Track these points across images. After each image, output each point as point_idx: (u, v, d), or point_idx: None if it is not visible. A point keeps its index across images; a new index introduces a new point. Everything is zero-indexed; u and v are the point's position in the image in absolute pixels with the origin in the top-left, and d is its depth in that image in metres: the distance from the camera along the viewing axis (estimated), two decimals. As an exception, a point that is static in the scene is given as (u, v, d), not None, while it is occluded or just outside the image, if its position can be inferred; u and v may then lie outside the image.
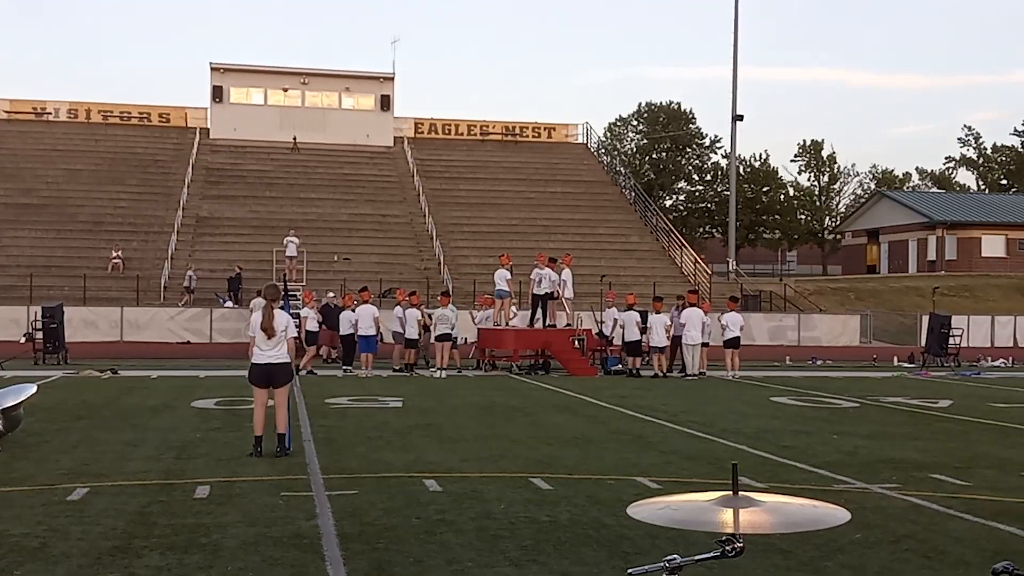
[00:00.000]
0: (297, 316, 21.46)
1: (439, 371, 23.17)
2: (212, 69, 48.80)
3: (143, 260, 36.08)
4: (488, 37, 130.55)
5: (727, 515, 2.37)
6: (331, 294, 28.17)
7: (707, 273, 39.47)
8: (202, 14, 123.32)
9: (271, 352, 10.80)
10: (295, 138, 46.99)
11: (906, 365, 29.58)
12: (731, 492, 2.43)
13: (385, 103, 49.80)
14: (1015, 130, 72.57)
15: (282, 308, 11.28)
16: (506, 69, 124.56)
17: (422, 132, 51.21)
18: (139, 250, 36.95)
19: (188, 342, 29.96)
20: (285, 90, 49.24)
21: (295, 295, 27.31)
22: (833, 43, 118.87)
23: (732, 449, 11.96)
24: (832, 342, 33.00)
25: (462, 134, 51.83)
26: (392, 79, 50.39)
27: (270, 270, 33.98)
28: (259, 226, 39.29)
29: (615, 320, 25.21)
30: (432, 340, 24.17)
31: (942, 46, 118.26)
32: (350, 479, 9.38)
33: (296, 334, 11.83)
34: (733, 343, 24.13)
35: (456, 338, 24.64)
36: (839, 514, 2.49)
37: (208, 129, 48.04)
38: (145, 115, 49.32)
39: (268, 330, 10.73)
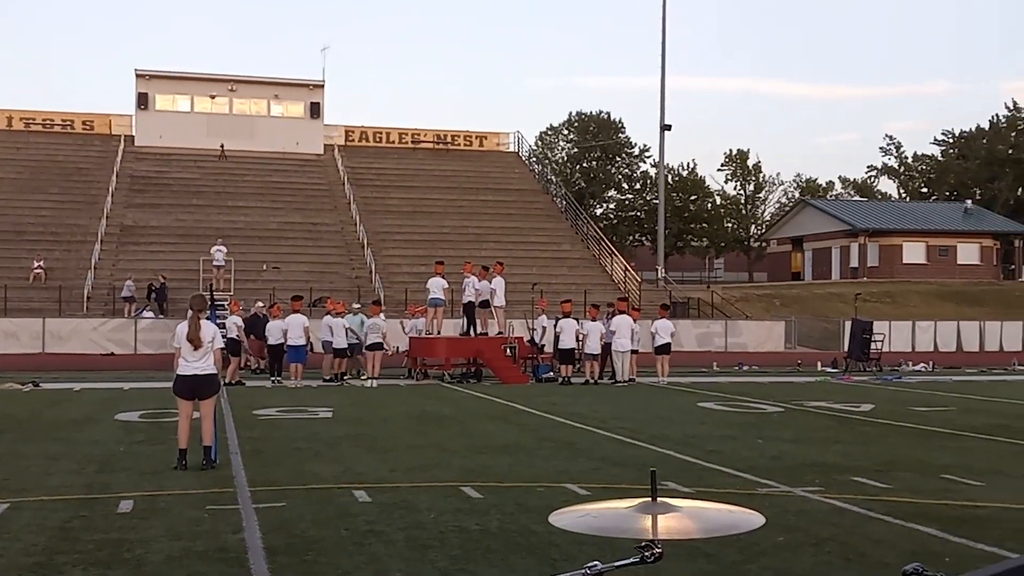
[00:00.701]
0: (222, 325, 21.19)
1: (370, 380, 23.06)
2: (137, 76, 47.94)
3: (65, 270, 35.26)
4: (419, 45, 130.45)
5: (646, 521, 2.42)
6: (259, 304, 27.83)
7: (637, 281, 39.91)
8: (127, 20, 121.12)
9: (197, 364, 10.64)
10: (222, 146, 46.37)
11: (829, 370, 30.23)
12: (650, 498, 2.48)
13: (315, 110, 49.43)
14: (935, 139, 74.78)
15: (208, 319, 11.13)
16: (438, 77, 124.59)
17: (353, 140, 50.92)
18: (62, 260, 36.10)
19: (112, 353, 29.33)
20: (212, 97, 48.57)
21: (222, 305, 26.93)
22: (759, 54, 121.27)
23: (660, 455, 12.11)
24: (758, 348, 33.58)
25: (393, 142, 51.67)
26: (322, 86, 50.05)
27: (197, 280, 33.46)
28: (185, 235, 38.68)
29: (544, 328, 25.38)
30: (363, 349, 24.08)
31: (864, 57, 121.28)
32: (278, 491, 9.29)
33: (223, 345, 11.70)
34: (664, 350, 24.44)
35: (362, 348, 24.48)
36: (754, 519, 2.56)
37: (133, 136, 47.15)
38: (68, 122, 48.25)
39: (194, 341, 10.58)
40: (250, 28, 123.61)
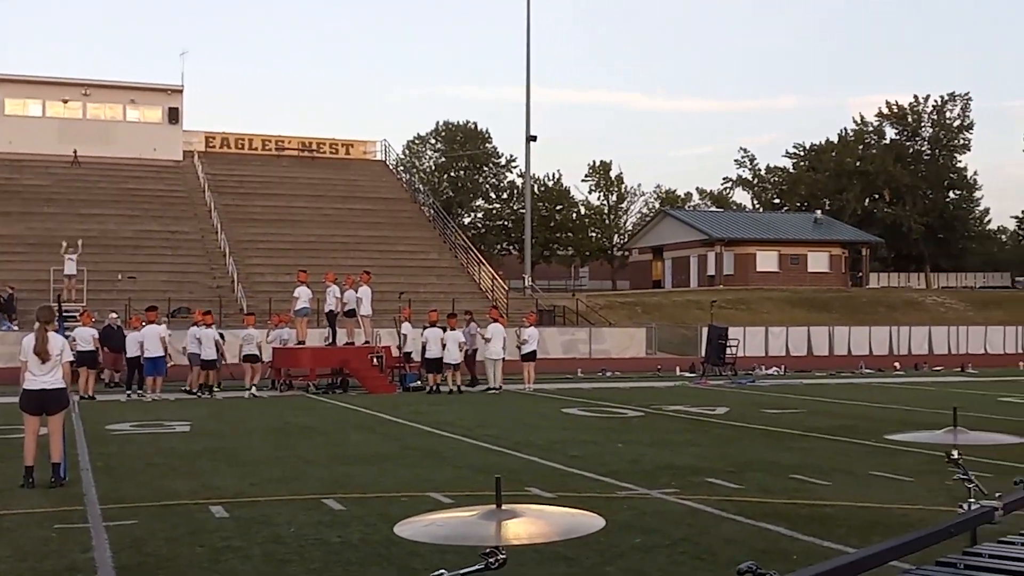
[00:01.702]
0: (72, 338, 20.42)
1: (248, 391, 22.61)
2: (-16, 78, 45.65)
3: (-96, 280, 33.19)
4: (284, 52, 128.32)
5: (491, 528, 2.48)
6: (113, 315, 26.83)
7: (504, 289, 40.20)
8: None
9: (45, 377, 10.22)
10: (75, 152, 44.53)
11: (687, 375, 31.12)
12: (495, 505, 2.54)
13: (173, 116, 47.99)
14: (786, 152, 77.95)
15: (57, 331, 10.71)
16: (303, 84, 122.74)
17: (213, 146, 49.63)
18: (-100, 270, 33.99)
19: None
20: (65, 102, 46.59)
21: (74, 316, 25.86)
22: (623, 68, 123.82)
23: (524, 461, 12.26)
24: (620, 354, 34.27)
25: (256, 149, 50.60)
26: (181, 91, 48.61)
27: (47, 290, 32.03)
28: (36, 244, 36.96)
29: (405, 336, 25.34)
30: (240, 360, 23.65)
31: (721, 73, 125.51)
32: (130, 508, 8.99)
33: (72, 358, 11.27)
34: (530, 357, 24.75)
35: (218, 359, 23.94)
36: (595, 521, 2.65)
37: (-20, 142, 44.83)
38: (-92, 126, 45.50)
39: (42, 354, 10.16)
40: (106, 31, 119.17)
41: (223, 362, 24.19)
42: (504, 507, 2.54)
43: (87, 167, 44.38)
